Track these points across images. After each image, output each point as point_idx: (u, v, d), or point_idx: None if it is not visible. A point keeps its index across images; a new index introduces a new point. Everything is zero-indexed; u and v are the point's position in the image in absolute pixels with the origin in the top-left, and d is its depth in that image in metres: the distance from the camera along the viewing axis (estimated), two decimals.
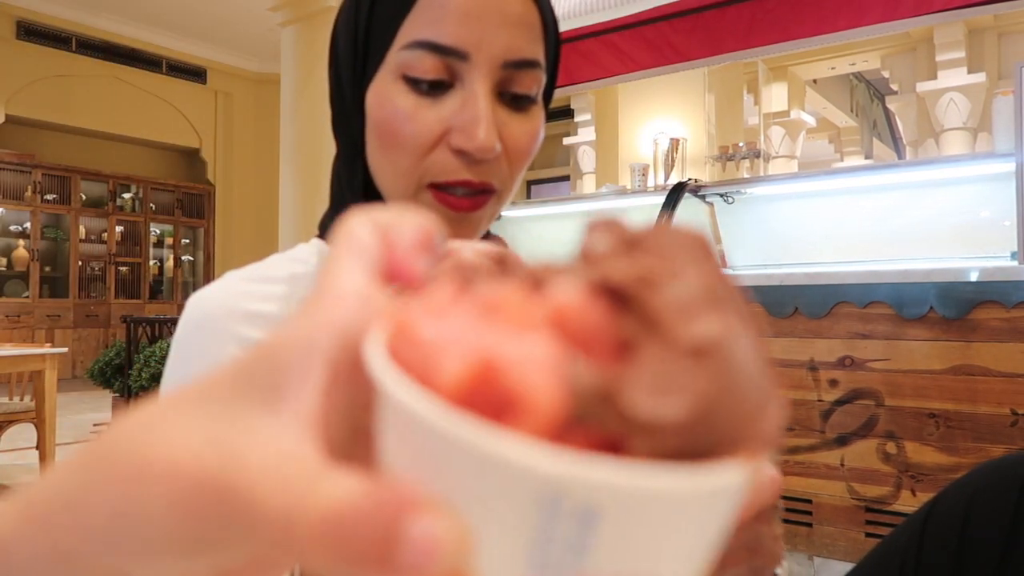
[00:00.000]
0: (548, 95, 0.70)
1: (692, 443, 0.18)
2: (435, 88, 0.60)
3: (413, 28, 0.60)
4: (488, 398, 0.18)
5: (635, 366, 0.18)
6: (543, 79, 0.64)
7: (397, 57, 0.60)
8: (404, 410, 0.18)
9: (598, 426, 0.18)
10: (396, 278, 0.24)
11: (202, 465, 0.19)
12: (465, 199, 0.61)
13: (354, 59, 0.64)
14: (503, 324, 0.19)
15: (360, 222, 0.24)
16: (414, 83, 0.60)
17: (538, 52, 0.62)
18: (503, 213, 0.76)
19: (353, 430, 0.22)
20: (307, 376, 0.21)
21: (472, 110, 0.59)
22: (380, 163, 0.63)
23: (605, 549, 0.17)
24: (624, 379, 0.18)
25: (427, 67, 0.59)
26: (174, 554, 0.20)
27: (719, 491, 0.18)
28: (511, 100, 0.62)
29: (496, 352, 0.18)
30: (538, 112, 0.65)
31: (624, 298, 0.19)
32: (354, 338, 0.21)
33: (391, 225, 0.24)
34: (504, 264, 0.22)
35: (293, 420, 0.20)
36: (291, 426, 0.20)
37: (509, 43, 0.60)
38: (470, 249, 0.25)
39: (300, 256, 0.70)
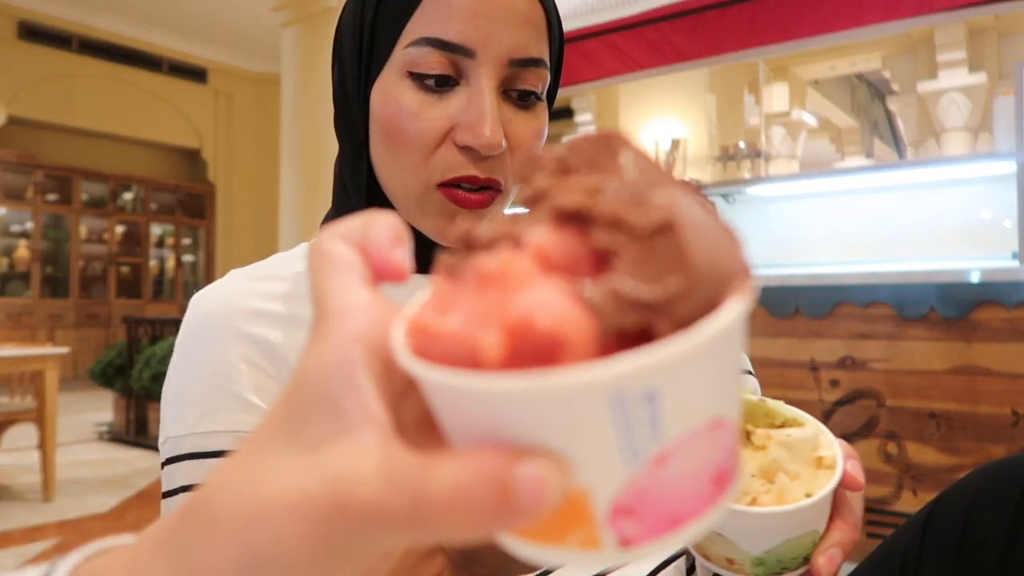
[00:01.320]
0: (552, 94, 0.70)
1: (696, 302, 0.21)
2: (441, 85, 0.60)
3: (419, 25, 0.60)
4: (532, 351, 0.20)
5: (623, 265, 0.21)
6: (548, 78, 0.64)
7: (403, 55, 0.60)
8: (459, 391, 0.21)
9: (627, 326, 0.21)
10: (382, 276, 0.27)
11: (316, 498, 0.22)
12: (474, 195, 0.61)
13: (359, 57, 0.64)
14: (505, 289, 0.21)
15: (331, 240, 0.26)
16: (420, 80, 0.60)
17: (543, 51, 0.63)
18: (505, 212, 0.76)
19: (408, 421, 0.25)
20: (357, 389, 0.23)
21: (478, 107, 0.59)
22: (386, 162, 0.63)
23: (672, 415, 0.21)
24: (623, 280, 0.21)
25: (433, 64, 0.59)
26: None
27: (732, 325, 0.21)
28: (516, 98, 0.62)
29: (521, 312, 0.21)
30: (543, 110, 0.65)
31: (582, 216, 0.22)
32: (376, 343, 0.24)
33: (361, 232, 0.27)
34: (470, 239, 0.24)
35: (368, 430, 0.22)
36: (369, 436, 0.22)
37: (515, 41, 0.60)
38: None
39: (303, 255, 0.69)
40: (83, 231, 9.55)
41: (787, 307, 2.54)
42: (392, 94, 0.61)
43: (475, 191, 0.61)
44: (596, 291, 0.21)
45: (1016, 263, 2.61)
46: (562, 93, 4.25)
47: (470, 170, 0.60)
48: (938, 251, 3.11)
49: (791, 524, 0.44)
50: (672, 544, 0.23)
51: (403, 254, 0.27)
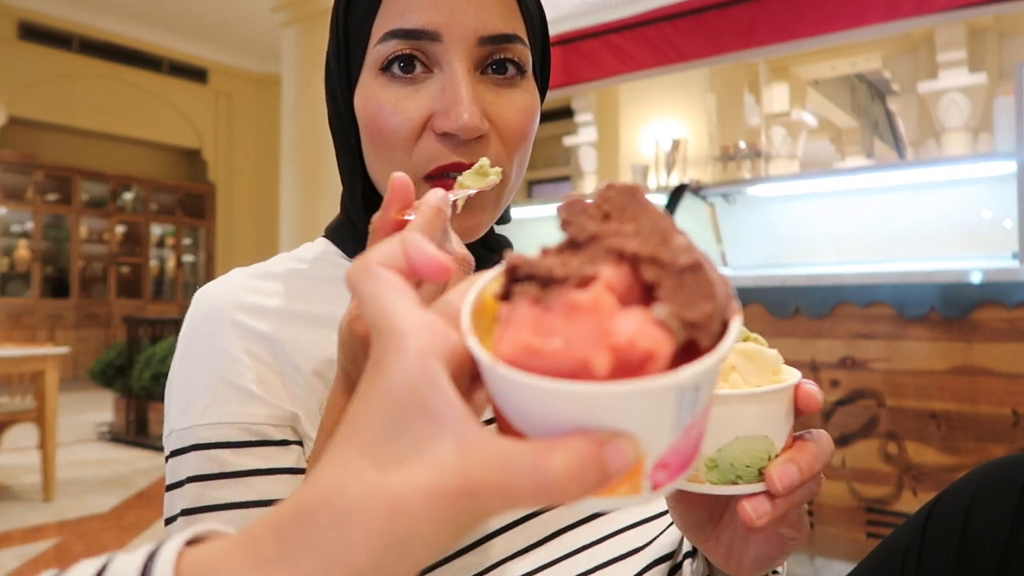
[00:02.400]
0: (544, 77, 0.69)
1: (719, 321, 0.29)
2: (409, 72, 0.60)
3: (384, 22, 0.60)
4: (630, 365, 0.27)
5: (664, 294, 0.29)
6: (528, 54, 0.62)
7: (374, 54, 0.60)
8: (573, 394, 0.27)
9: (684, 341, 0.28)
10: (431, 278, 0.33)
11: (449, 486, 0.26)
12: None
13: (338, 65, 0.64)
14: (600, 316, 0.28)
15: (377, 267, 0.31)
16: (391, 74, 0.60)
17: (516, 26, 0.61)
18: (510, 214, 0.75)
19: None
20: (444, 393, 0.27)
21: (452, 91, 0.58)
22: (375, 163, 0.63)
23: (703, 397, 0.29)
24: (673, 306, 0.28)
25: (401, 56, 0.59)
26: (432, 559, 0.28)
27: (737, 336, 0.30)
28: (496, 78, 0.61)
29: (625, 335, 0.27)
30: (528, 87, 0.63)
31: (630, 257, 0.29)
32: (444, 356, 0.28)
33: (401, 252, 0.32)
34: (530, 270, 0.30)
35: (462, 425, 0.27)
36: (466, 429, 0.27)
37: (481, 19, 0.58)
38: (491, 273, 0.33)
39: (304, 255, 0.70)
40: (83, 231, 9.56)
41: (787, 307, 2.54)
42: (370, 94, 0.61)
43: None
44: (671, 315, 0.28)
45: (1016, 263, 2.61)
46: (562, 93, 4.26)
47: (453, 157, 0.59)
48: (938, 251, 3.11)
49: (740, 416, 0.44)
50: (681, 482, 0.31)
51: (441, 256, 0.32)
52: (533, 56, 0.64)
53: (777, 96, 7.24)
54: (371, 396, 0.28)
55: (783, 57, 6.79)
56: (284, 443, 0.58)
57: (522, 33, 0.61)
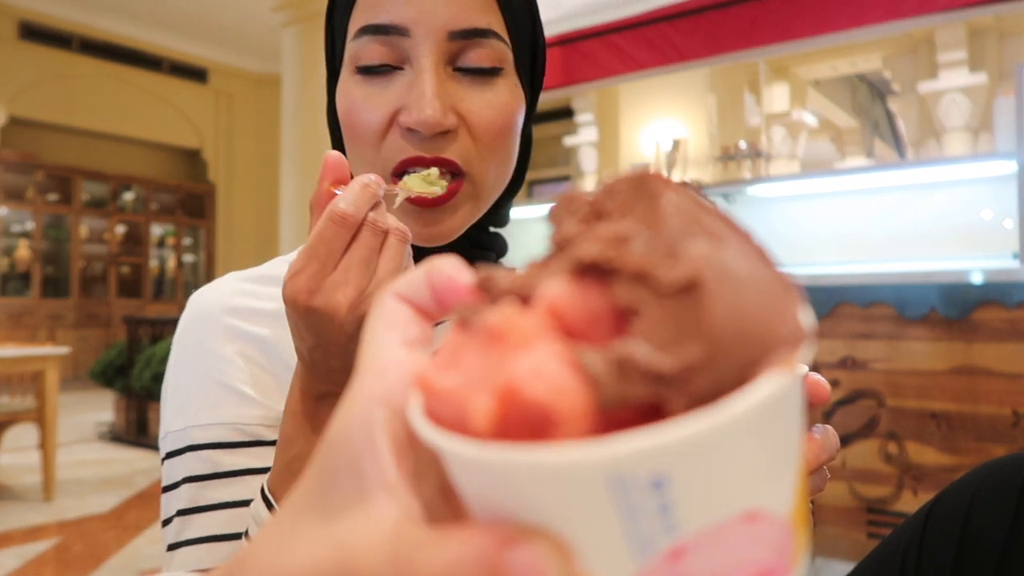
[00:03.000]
0: (537, 75, 0.67)
1: (722, 373, 0.18)
2: (380, 72, 0.59)
3: (358, 18, 0.59)
4: (522, 422, 0.19)
5: (642, 327, 0.18)
6: (506, 50, 0.60)
7: (349, 50, 0.60)
8: (459, 458, 0.19)
9: (632, 400, 0.18)
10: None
11: (328, 567, 0.21)
12: (433, 200, 0.58)
13: (329, 63, 0.65)
14: (507, 349, 0.19)
15: (386, 295, 0.26)
16: (365, 71, 0.60)
17: (490, 20, 0.59)
18: (509, 216, 0.74)
19: (434, 486, 0.24)
20: (376, 451, 0.22)
21: (418, 85, 0.57)
22: (352, 160, 0.63)
23: (688, 504, 0.18)
24: (633, 345, 0.18)
25: (373, 53, 0.59)
26: None
27: (767, 403, 0.18)
28: (470, 74, 0.59)
29: (510, 378, 0.19)
30: (506, 85, 0.61)
31: (605, 269, 0.19)
32: (402, 405, 0.23)
33: (424, 280, 0.26)
34: (489, 286, 0.22)
35: (384, 497, 0.21)
36: (385, 504, 0.21)
37: (451, 13, 0.57)
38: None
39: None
40: (84, 231, 9.56)
41: None
42: (345, 90, 0.61)
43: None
44: (598, 358, 0.18)
45: (1017, 263, 2.61)
46: (562, 93, 4.26)
47: (415, 152, 0.58)
48: (939, 251, 3.11)
49: None
50: None
51: (468, 281, 0.25)
52: (517, 52, 0.62)
53: (777, 96, 7.24)
54: (318, 447, 0.24)
55: (783, 57, 6.79)
56: (275, 443, 0.58)
57: (499, 28, 0.60)
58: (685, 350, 0.18)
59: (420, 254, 0.65)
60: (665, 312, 0.18)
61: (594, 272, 0.20)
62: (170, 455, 0.60)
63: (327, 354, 0.49)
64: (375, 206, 0.49)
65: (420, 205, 0.58)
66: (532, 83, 0.67)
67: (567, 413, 0.18)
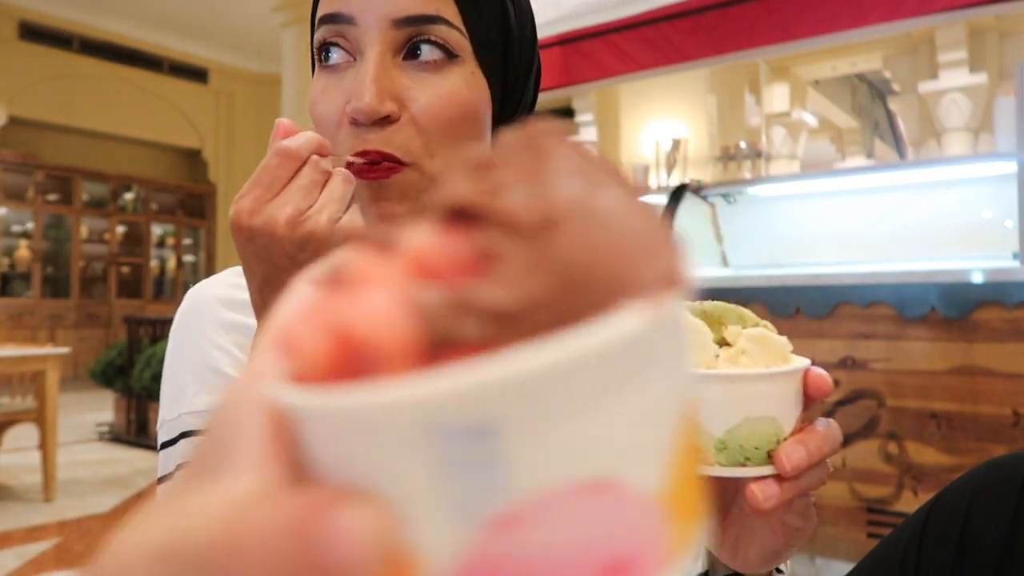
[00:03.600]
0: (514, 62, 0.65)
1: (569, 312, 0.16)
2: (338, 62, 0.59)
3: (320, 9, 0.60)
4: (349, 363, 0.17)
5: (497, 270, 0.17)
6: (459, 37, 0.59)
7: (314, 43, 0.61)
8: (288, 410, 0.18)
9: (465, 338, 0.16)
10: None
11: (160, 541, 0.18)
12: (370, 168, 0.58)
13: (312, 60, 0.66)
14: (352, 294, 0.18)
15: (300, 280, 0.23)
16: (323, 63, 0.60)
17: (439, 7, 0.58)
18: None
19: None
20: (250, 429, 0.19)
21: (360, 74, 0.57)
22: None
23: (520, 459, 0.15)
24: (480, 285, 0.17)
25: (327, 43, 0.59)
26: None
27: (616, 346, 0.16)
28: (419, 62, 0.59)
29: (342, 318, 0.17)
30: (460, 73, 0.59)
31: (476, 215, 0.18)
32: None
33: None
34: (362, 239, 0.20)
35: (245, 473, 0.18)
36: (243, 478, 0.18)
37: (395, 1, 0.57)
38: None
39: None
40: (84, 231, 9.56)
41: (788, 307, 2.54)
42: (312, 83, 0.62)
43: (372, 164, 0.58)
44: (432, 295, 0.17)
45: (1017, 263, 2.61)
46: (563, 93, 4.25)
47: (359, 145, 0.57)
48: (939, 251, 3.11)
49: (750, 396, 0.44)
50: None
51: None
52: (479, 41, 0.61)
53: (777, 96, 7.24)
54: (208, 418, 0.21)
55: (783, 57, 6.79)
56: None
57: (450, 15, 0.58)
58: (527, 284, 0.16)
59: None
60: (522, 253, 0.17)
61: (464, 219, 0.18)
62: (165, 445, 0.60)
63: (275, 289, 0.51)
64: (322, 156, 0.53)
65: (360, 177, 0.57)
66: (506, 74, 0.65)
67: (389, 350, 0.16)
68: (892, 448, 2.37)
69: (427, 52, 0.58)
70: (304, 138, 0.52)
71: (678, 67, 3.60)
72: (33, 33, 8.74)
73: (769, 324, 0.47)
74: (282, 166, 0.51)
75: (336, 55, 0.59)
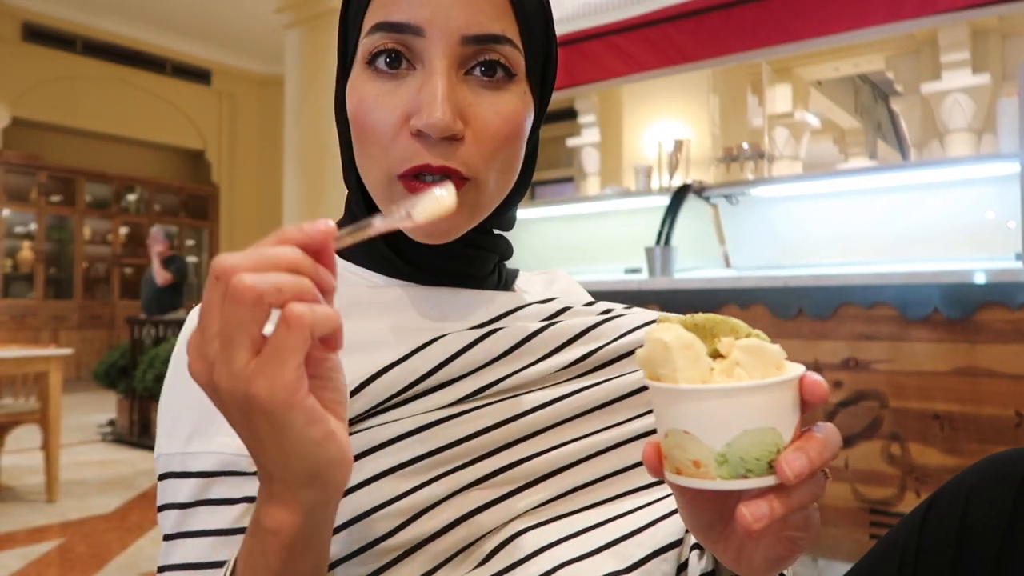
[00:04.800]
0: (547, 82, 0.67)
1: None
2: (394, 67, 0.59)
3: (373, 14, 0.59)
4: None
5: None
6: (519, 57, 0.60)
7: (362, 46, 0.60)
8: None
9: None
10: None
11: None
12: (432, 183, 0.58)
13: (341, 60, 0.65)
14: None
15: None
16: (376, 70, 0.59)
17: (505, 27, 0.59)
18: (515, 218, 0.74)
19: None
20: None
21: (428, 88, 0.57)
22: (358, 155, 0.63)
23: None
24: None
25: (384, 49, 0.59)
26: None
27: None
28: (481, 79, 0.59)
29: None
30: (516, 91, 0.61)
31: None
32: None
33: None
34: None
35: None
36: None
37: (466, 17, 0.57)
38: None
39: None
40: (87, 232, 9.57)
41: (790, 308, 2.54)
42: (355, 87, 0.61)
43: (434, 181, 0.58)
44: None
45: (1020, 264, 2.60)
46: (565, 94, 4.26)
47: (424, 158, 0.57)
48: (942, 252, 3.10)
49: (747, 408, 0.44)
50: None
51: None
52: (530, 59, 0.62)
53: (780, 97, 7.24)
54: None
55: (786, 58, 6.79)
56: (256, 473, 0.58)
57: (513, 35, 0.59)
58: None
59: (418, 251, 0.65)
60: None
61: None
62: (161, 477, 0.61)
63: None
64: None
65: (415, 192, 0.58)
66: (542, 89, 0.66)
67: None
68: (895, 449, 2.37)
69: (492, 70, 0.59)
70: (251, 257, 0.40)
71: (680, 68, 3.60)
72: (36, 34, 8.76)
73: (762, 333, 0.47)
74: (209, 297, 0.41)
75: (394, 61, 0.59)
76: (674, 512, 0.64)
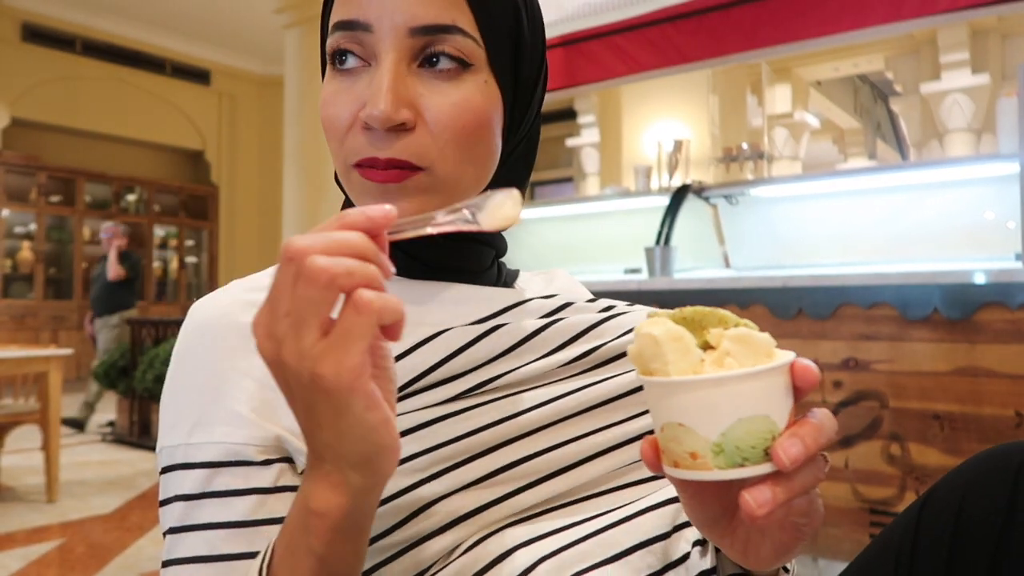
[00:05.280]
0: (525, 69, 0.66)
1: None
2: (344, 64, 0.60)
3: (334, 13, 0.61)
4: None
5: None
6: (474, 47, 0.60)
7: (328, 45, 0.62)
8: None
9: None
10: None
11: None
12: (381, 171, 0.59)
13: (322, 57, 0.66)
14: None
15: None
16: (336, 68, 0.61)
17: (456, 16, 0.59)
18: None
19: None
20: None
21: (375, 81, 0.58)
22: (331, 155, 0.64)
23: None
24: None
25: (342, 47, 0.60)
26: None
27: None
28: (433, 71, 0.59)
29: None
30: (473, 81, 0.60)
31: None
32: None
33: None
34: None
35: None
36: None
37: (412, 9, 0.57)
38: None
39: None
40: (86, 233, 9.57)
41: (790, 308, 2.54)
42: (324, 85, 0.62)
43: (385, 169, 0.59)
44: None
45: (1020, 264, 2.61)
46: (565, 94, 4.25)
47: (370, 151, 0.59)
48: (941, 252, 3.10)
49: (740, 397, 0.44)
50: None
51: None
52: (492, 48, 0.61)
53: (779, 97, 7.24)
54: None
55: (785, 58, 6.79)
56: (266, 463, 0.58)
57: (466, 24, 0.59)
58: None
59: (428, 250, 0.66)
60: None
61: None
62: (164, 470, 0.60)
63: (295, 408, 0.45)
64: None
65: (372, 181, 0.59)
66: (517, 80, 0.65)
67: None
68: (895, 449, 2.37)
69: (443, 62, 0.59)
70: (325, 240, 0.41)
71: (680, 68, 3.60)
72: (36, 35, 8.76)
73: (750, 322, 0.47)
74: (283, 272, 0.41)
75: (350, 60, 0.60)
76: (662, 505, 0.64)
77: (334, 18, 0.60)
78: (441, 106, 0.59)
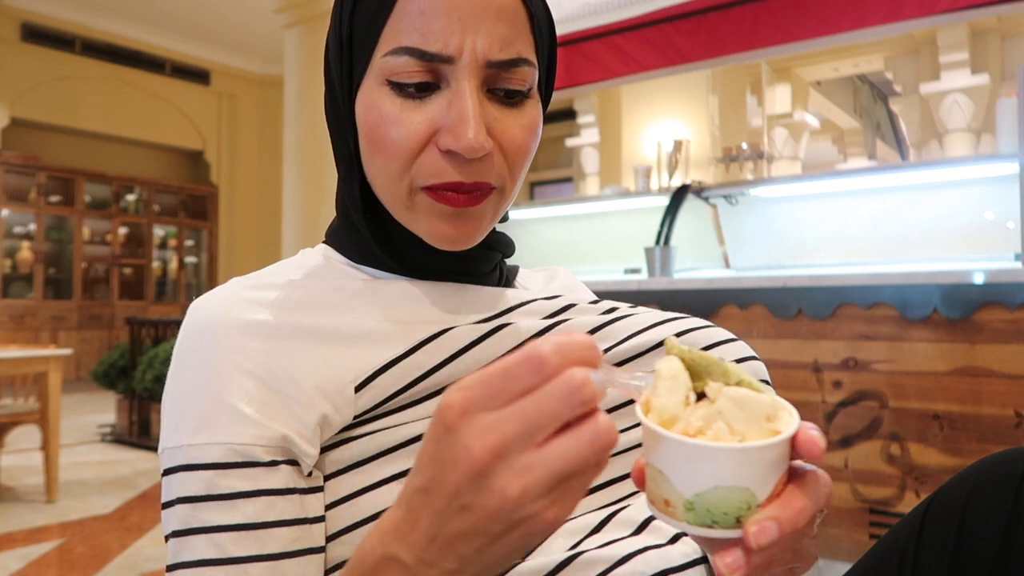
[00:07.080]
0: (549, 87, 0.69)
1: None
2: (421, 90, 0.60)
3: (396, 33, 0.59)
4: None
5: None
6: (534, 74, 0.62)
7: (382, 63, 0.60)
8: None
9: None
10: None
11: None
12: (462, 195, 0.60)
13: (341, 68, 0.64)
14: None
15: None
16: (399, 88, 0.60)
17: (526, 48, 0.61)
18: (508, 214, 0.75)
19: None
20: None
21: (459, 109, 0.58)
22: (372, 169, 0.63)
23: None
24: None
25: (413, 73, 0.59)
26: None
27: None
28: (502, 96, 0.61)
29: None
30: (533, 106, 0.63)
31: None
32: None
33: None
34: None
35: None
36: None
37: (493, 42, 0.58)
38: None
39: (304, 263, 0.70)
40: (86, 232, 9.57)
41: (790, 308, 2.54)
42: (374, 101, 0.61)
43: (464, 192, 0.61)
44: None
45: (1019, 264, 2.61)
46: (565, 94, 4.26)
47: (454, 176, 0.59)
48: (941, 252, 3.10)
49: (720, 468, 0.42)
50: None
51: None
52: (540, 71, 0.64)
53: (779, 97, 7.24)
54: None
55: (785, 58, 6.79)
56: (272, 464, 0.57)
57: (529, 54, 0.61)
58: None
59: (440, 256, 0.66)
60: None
61: None
62: (167, 472, 0.58)
63: (424, 507, 0.41)
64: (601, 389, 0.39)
65: (448, 205, 0.61)
66: (547, 93, 0.69)
67: None
68: (894, 449, 2.37)
69: (513, 88, 0.61)
70: (573, 344, 0.38)
71: (680, 68, 3.60)
72: (35, 35, 8.76)
73: (755, 381, 0.44)
74: (521, 373, 0.38)
75: (420, 83, 0.60)
76: None
77: (403, 41, 0.59)
78: (514, 131, 0.62)
